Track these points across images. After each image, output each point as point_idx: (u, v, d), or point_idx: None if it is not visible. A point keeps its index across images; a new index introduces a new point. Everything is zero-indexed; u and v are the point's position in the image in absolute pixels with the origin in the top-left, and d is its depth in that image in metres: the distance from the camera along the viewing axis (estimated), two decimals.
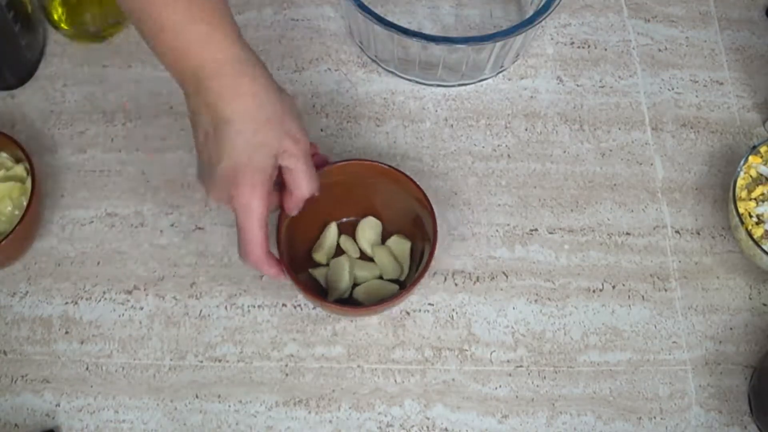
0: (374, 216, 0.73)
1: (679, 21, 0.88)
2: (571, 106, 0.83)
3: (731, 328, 0.73)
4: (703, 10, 0.89)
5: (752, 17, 0.88)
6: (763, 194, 0.73)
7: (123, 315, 0.71)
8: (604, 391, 0.70)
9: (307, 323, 0.71)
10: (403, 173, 0.69)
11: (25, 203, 0.70)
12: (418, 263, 0.70)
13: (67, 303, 0.72)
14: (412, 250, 0.72)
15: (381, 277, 0.71)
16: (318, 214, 0.71)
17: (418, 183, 0.69)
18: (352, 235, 0.74)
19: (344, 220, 0.74)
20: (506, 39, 0.74)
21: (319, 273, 0.71)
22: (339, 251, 0.73)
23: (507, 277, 0.74)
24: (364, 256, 0.73)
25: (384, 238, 0.73)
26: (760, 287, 0.74)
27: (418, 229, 0.71)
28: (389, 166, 0.70)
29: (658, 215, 0.78)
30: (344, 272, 0.70)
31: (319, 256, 0.72)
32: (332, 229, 0.73)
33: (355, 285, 0.71)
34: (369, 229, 0.73)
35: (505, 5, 0.88)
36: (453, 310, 0.72)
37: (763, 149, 0.75)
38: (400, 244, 0.72)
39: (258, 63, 0.59)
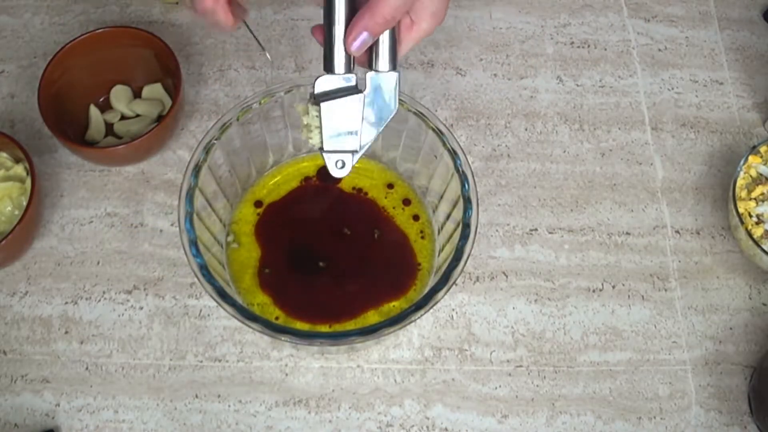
0: (121, 84, 0.80)
1: (679, 21, 0.88)
2: (571, 105, 0.83)
3: (731, 328, 0.73)
4: (703, 10, 0.89)
5: (752, 17, 0.88)
6: (762, 194, 0.73)
7: (123, 315, 0.71)
8: (604, 391, 0.70)
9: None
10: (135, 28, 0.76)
11: (24, 203, 0.70)
12: None
13: (66, 303, 0.72)
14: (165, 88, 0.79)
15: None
16: (77, 104, 0.78)
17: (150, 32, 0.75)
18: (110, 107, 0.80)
19: (101, 99, 0.80)
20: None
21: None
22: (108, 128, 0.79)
23: (507, 276, 0.74)
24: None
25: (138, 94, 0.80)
26: (760, 287, 0.74)
27: (161, 69, 0.78)
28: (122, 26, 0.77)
29: (658, 215, 0.77)
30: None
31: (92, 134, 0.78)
32: (93, 110, 0.78)
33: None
34: (119, 97, 0.80)
35: (505, 6, 0.88)
36: (453, 309, 0.72)
37: (763, 149, 0.75)
38: (151, 90, 0.80)
39: None
